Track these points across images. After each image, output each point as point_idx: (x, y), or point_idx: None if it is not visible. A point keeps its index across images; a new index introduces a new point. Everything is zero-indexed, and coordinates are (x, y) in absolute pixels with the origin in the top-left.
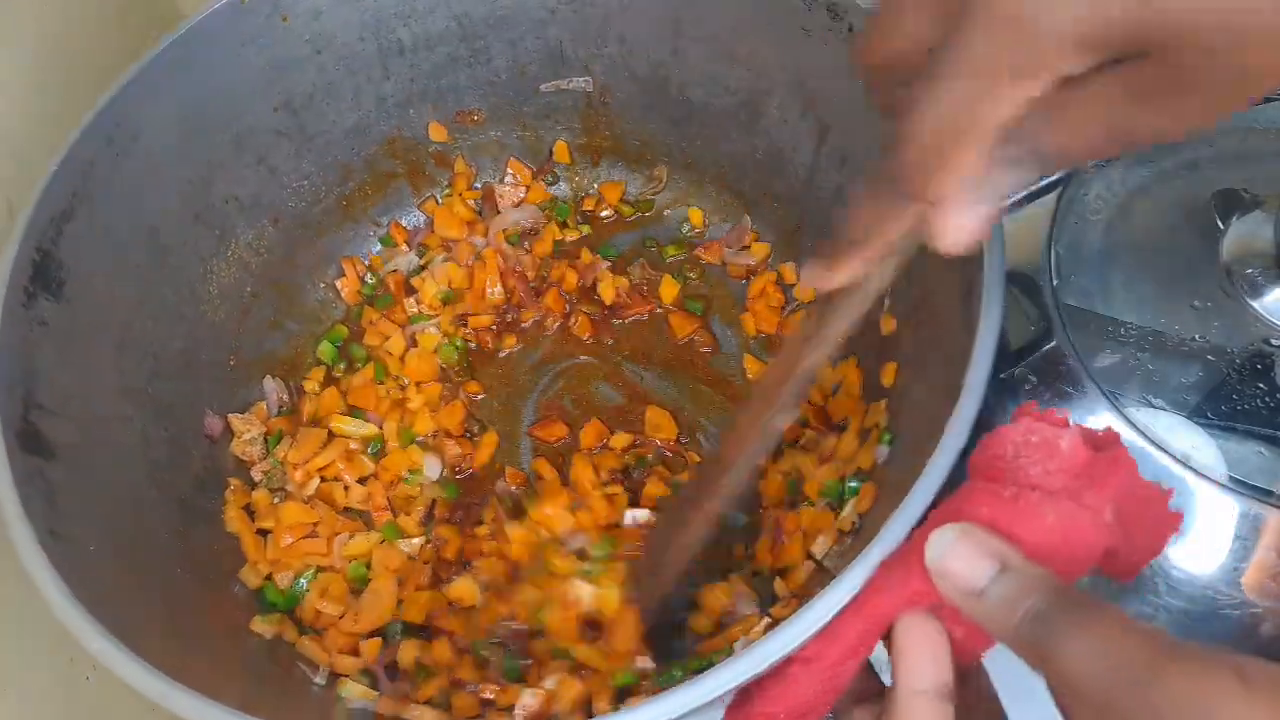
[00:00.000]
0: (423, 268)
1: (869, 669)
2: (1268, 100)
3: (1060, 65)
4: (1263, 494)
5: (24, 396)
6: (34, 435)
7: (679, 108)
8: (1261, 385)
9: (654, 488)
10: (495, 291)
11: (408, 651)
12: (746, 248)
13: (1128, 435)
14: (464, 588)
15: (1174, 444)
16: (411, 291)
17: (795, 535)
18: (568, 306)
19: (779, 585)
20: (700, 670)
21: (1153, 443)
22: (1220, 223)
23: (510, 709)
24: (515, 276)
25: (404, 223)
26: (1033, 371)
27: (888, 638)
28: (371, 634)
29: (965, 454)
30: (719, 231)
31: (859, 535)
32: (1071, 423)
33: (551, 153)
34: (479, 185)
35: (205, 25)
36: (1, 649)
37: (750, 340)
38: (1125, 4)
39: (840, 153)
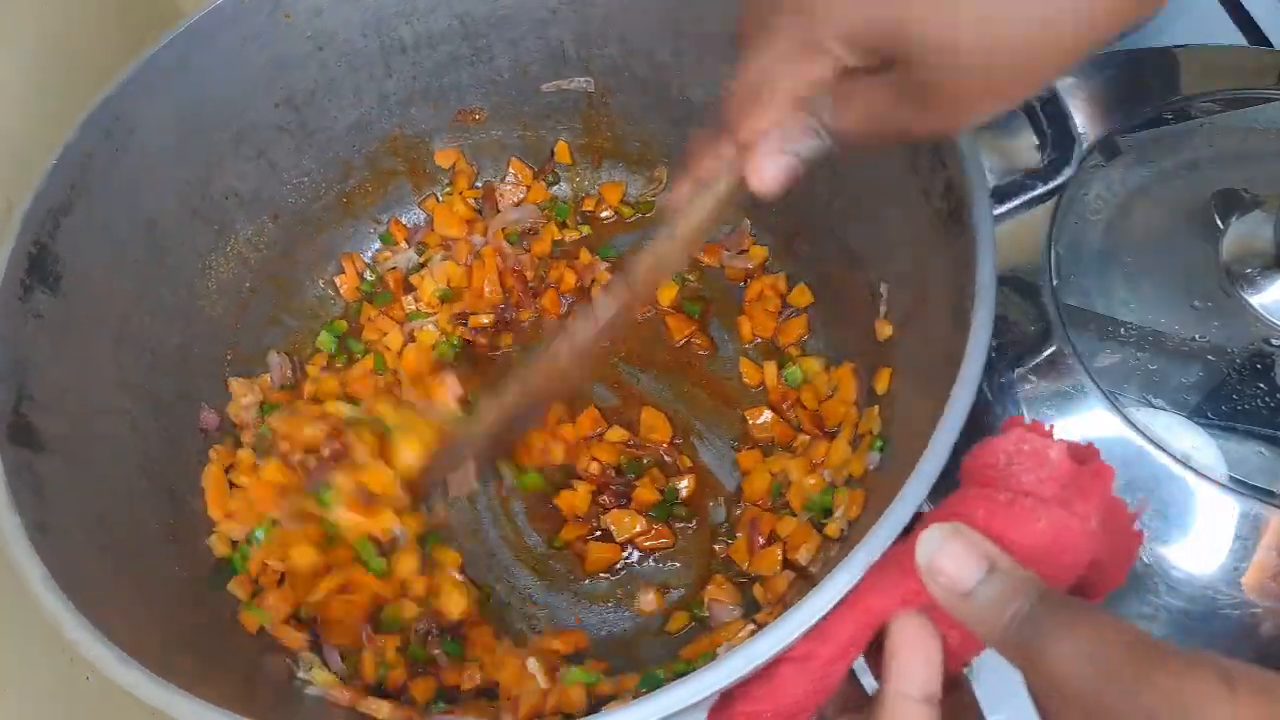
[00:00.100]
0: (422, 265)
1: (853, 676)
2: (1268, 100)
3: (837, 54)
4: (1263, 494)
5: (16, 389)
6: (24, 428)
7: (679, 108)
8: (1261, 385)
9: (646, 491)
10: (493, 290)
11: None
12: (744, 251)
13: (1128, 435)
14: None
15: (1174, 444)
16: (410, 289)
17: (774, 543)
18: (565, 308)
19: (758, 592)
20: (682, 674)
21: (1153, 443)
22: (1220, 223)
23: (458, 688)
24: (514, 276)
25: (404, 220)
26: (1033, 372)
27: (878, 641)
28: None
29: (955, 463)
30: (718, 234)
31: (846, 542)
32: (1056, 435)
33: (553, 153)
34: (480, 184)
35: (205, 22)
36: (2, 649)
37: (746, 346)
38: (876, 15)
39: (836, 158)
